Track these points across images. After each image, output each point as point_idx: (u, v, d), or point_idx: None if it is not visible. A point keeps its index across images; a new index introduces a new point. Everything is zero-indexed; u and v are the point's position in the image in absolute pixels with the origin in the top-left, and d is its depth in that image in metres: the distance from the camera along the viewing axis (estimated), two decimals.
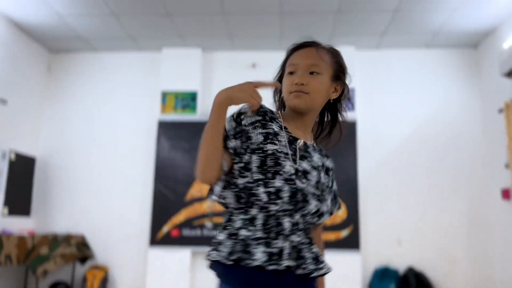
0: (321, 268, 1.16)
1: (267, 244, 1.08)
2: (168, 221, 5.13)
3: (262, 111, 1.23)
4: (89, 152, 5.52)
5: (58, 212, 5.41)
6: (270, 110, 1.27)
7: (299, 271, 1.10)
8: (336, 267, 5.03)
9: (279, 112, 1.33)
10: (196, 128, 5.29)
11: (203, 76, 5.57)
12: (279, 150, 1.15)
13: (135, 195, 5.38)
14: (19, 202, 5.16)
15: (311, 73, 1.23)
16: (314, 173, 1.22)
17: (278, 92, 1.33)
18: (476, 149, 5.21)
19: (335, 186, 1.35)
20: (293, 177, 1.14)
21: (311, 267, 1.12)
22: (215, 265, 1.11)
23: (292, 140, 1.22)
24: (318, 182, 1.22)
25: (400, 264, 5.03)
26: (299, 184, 1.15)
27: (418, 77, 5.47)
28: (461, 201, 5.13)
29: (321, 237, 1.41)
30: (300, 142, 1.22)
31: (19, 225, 5.07)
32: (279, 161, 1.13)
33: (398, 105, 5.42)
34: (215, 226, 5.01)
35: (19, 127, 5.20)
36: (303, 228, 1.17)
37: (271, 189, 1.11)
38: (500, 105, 4.67)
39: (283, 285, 1.09)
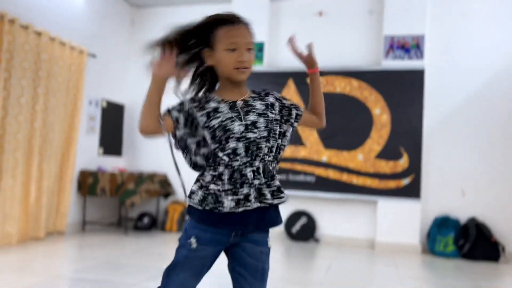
0: (280, 198, 1.41)
1: (234, 193, 1.34)
2: None
3: (196, 99, 1.44)
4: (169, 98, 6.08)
5: (145, 153, 6.14)
6: (204, 96, 1.47)
7: (262, 205, 1.37)
8: (395, 214, 5.25)
9: (215, 91, 1.50)
10: (263, 78, 5.59)
11: (270, 27, 5.72)
12: (224, 119, 1.37)
13: None
14: (112, 143, 5.97)
15: (248, 49, 1.41)
16: (261, 119, 1.41)
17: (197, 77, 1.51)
18: None
19: (287, 104, 1.52)
20: (244, 133, 1.37)
21: (270, 200, 1.38)
22: (190, 209, 1.42)
23: (233, 105, 1.41)
24: (267, 123, 1.42)
25: (461, 214, 5.03)
26: (251, 135, 1.37)
27: (498, 20, 5.08)
28: None
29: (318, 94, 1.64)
30: (239, 103, 1.42)
31: (112, 164, 5.90)
32: (227, 128, 1.36)
33: (471, 53, 5.13)
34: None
35: (108, 78, 5.88)
36: (263, 170, 1.39)
37: (229, 151, 1.35)
38: None
39: (247, 217, 1.36)
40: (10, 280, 3.06)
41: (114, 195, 5.18)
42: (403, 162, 5.12)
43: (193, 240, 1.39)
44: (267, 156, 1.40)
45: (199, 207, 1.38)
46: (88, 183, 5.23)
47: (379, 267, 4.25)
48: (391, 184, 5.15)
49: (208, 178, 1.38)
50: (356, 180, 5.24)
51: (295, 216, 5.40)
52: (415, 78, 5.14)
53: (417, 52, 5.17)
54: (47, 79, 4.57)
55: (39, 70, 4.45)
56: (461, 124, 5.14)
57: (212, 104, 1.40)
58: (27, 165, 4.39)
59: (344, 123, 5.32)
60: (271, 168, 1.42)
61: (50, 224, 4.80)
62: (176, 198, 5.96)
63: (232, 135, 1.36)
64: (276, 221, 1.44)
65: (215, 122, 1.37)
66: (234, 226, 1.37)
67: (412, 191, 5.08)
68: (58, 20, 4.85)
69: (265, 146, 1.40)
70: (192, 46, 1.45)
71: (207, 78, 1.51)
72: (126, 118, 6.19)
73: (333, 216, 5.41)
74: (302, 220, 5.38)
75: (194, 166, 1.49)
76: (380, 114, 5.21)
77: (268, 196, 1.38)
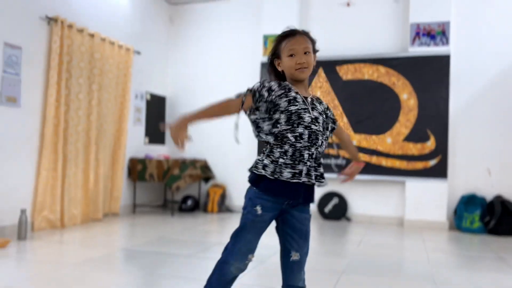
0: (321, 182, 1.76)
1: (292, 167, 1.67)
2: None
3: (283, 85, 1.73)
4: (206, 90, 6.52)
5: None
6: (287, 83, 1.76)
7: (307, 182, 1.71)
8: (423, 193, 5.59)
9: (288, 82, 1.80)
10: None
11: (300, 17, 6.04)
12: (299, 108, 1.70)
13: (243, 127, 6.30)
14: (156, 133, 6.47)
15: (305, 53, 1.74)
16: (320, 118, 1.76)
17: (272, 72, 1.85)
18: None
19: (330, 114, 1.87)
20: (310, 124, 1.70)
21: (314, 181, 1.73)
22: (257, 177, 1.72)
23: (305, 99, 1.74)
24: (323, 121, 1.78)
25: (488, 193, 5.29)
26: (314, 127, 1.71)
27: None
28: None
29: (346, 135, 2.03)
30: (309, 99, 1.76)
31: (157, 151, 6.41)
32: (301, 115, 1.69)
33: (495, 37, 5.32)
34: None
35: (150, 72, 6.36)
36: (315, 156, 1.74)
37: (296, 134, 1.68)
38: None
39: (298, 190, 1.71)
40: (82, 253, 3.59)
41: (161, 180, 5.69)
42: (430, 144, 5.39)
43: (258, 208, 1.70)
44: (319, 147, 1.74)
45: (272, 177, 1.68)
46: (138, 170, 5.75)
47: (408, 241, 4.59)
48: (419, 165, 5.43)
49: (277, 154, 1.69)
50: (385, 162, 5.55)
51: (328, 196, 5.78)
52: (441, 64, 5.37)
53: (443, 39, 5.39)
54: (100, 76, 5.08)
55: (93, 68, 4.95)
56: (485, 107, 5.35)
57: (293, 94, 1.72)
58: (86, 154, 4.93)
59: (373, 109, 5.61)
60: (319, 156, 1.79)
61: (106, 207, 5.35)
62: (215, 181, 6.43)
63: (302, 122, 1.69)
64: (313, 198, 1.80)
65: (293, 108, 1.69)
66: (289, 196, 1.71)
67: (439, 171, 5.36)
68: (106, 21, 5.34)
69: (320, 139, 1.74)
70: (271, 58, 1.84)
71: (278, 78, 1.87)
72: (168, 109, 6.68)
73: (364, 196, 5.75)
74: (334, 201, 5.75)
75: (260, 138, 1.80)
76: (408, 99, 5.48)
77: (313, 177, 1.72)
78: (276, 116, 1.69)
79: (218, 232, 4.92)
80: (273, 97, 1.68)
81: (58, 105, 4.51)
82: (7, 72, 4.06)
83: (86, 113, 4.91)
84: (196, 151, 6.51)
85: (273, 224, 1.81)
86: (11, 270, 3.08)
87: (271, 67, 1.84)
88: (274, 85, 1.72)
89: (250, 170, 1.76)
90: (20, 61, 4.18)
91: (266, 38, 6.10)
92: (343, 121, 5.72)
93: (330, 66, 5.75)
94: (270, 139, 1.73)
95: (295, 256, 1.74)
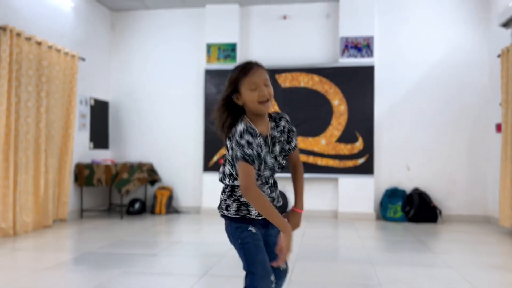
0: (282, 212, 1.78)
1: None
2: (217, 151, 6.37)
3: (249, 132, 1.64)
4: (150, 95, 6.72)
5: (129, 144, 6.76)
6: (252, 128, 1.67)
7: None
8: (353, 188, 6.28)
9: (245, 117, 1.73)
10: None
11: (241, 30, 6.46)
12: (265, 153, 1.69)
13: (189, 131, 6.61)
14: (100, 137, 6.54)
15: (265, 85, 1.70)
16: (279, 147, 1.75)
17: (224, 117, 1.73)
18: (479, 90, 5.94)
19: (293, 132, 1.83)
20: (273, 164, 1.72)
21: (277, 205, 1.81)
22: (227, 217, 1.77)
23: (266, 139, 1.72)
24: (281, 148, 1.76)
25: (407, 186, 6.09)
26: (275, 165, 1.74)
27: (432, 24, 6.09)
28: (464, 134, 5.98)
29: (299, 164, 1.92)
30: (269, 137, 1.73)
31: (101, 156, 6.49)
32: (266, 160, 1.69)
33: (412, 50, 6.13)
34: None
35: (94, 78, 6.42)
36: (273, 183, 1.79)
37: (261, 174, 1.70)
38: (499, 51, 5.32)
39: (262, 223, 1.77)
40: (48, 257, 3.71)
41: (110, 185, 5.81)
42: (359, 145, 6.07)
43: (251, 228, 1.72)
44: (275, 172, 1.80)
45: (237, 216, 1.74)
46: (85, 175, 5.82)
47: (343, 231, 5.19)
48: (349, 163, 6.10)
49: (239, 193, 1.73)
50: (320, 161, 6.15)
51: None
52: (367, 73, 6.07)
53: (368, 51, 6.10)
54: (47, 84, 5.11)
55: (41, 76, 4.98)
56: (405, 111, 6.15)
57: (258, 139, 1.67)
58: (36, 161, 4.95)
59: (309, 113, 6.19)
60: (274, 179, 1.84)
61: (54, 213, 5.37)
62: (162, 184, 6.65)
63: (266, 166, 1.71)
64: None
65: (262, 155, 1.69)
66: (260, 228, 1.77)
67: (367, 168, 6.06)
68: (51, 28, 5.36)
69: (278, 167, 1.78)
70: (229, 95, 1.74)
71: (232, 113, 1.76)
72: (110, 114, 6.76)
73: None
74: None
75: (225, 179, 1.79)
76: (339, 104, 6.13)
77: (276, 204, 1.83)
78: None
79: (172, 232, 5.19)
80: (255, 151, 1.64)
81: (8, 114, 4.51)
82: None
83: (35, 121, 4.92)
84: (141, 155, 6.68)
85: None
86: None
87: (226, 103, 1.73)
88: (246, 136, 1.64)
89: (218, 208, 1.81)
90: None
91: (209, 46, 6.43)
92: None
93: (270, 74, 6.18)
94: (236, 182, 1.74)
95: (283, 266, 1.83)
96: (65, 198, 5.52)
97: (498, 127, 5.47)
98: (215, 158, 6.36)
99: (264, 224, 1.76)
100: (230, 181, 1.75)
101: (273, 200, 1.80)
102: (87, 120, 6.21)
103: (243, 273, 1.69)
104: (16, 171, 4.63)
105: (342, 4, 6.14)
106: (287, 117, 1.84)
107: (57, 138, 5.33)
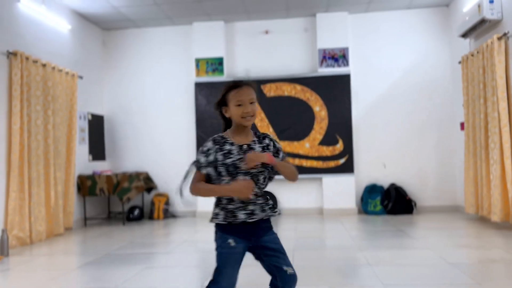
0: (274, 213, 1.94)
1: (244, 209, 1.83)
2: None
3: (217, 141, 1.86)
4: (142, 109, 7.15)
5: (125, 155, 7.16)
6: (221, 137, 1.89)
7: (264, 217, 1.89)
8: (336, 186, 6.93)
9: (227, 132, 1.92)
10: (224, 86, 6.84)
11: (226, 44, 6.98)
12: (235, 160, 1.82)
13: (182, 141, 7.07)
14: (97, 150, 6.93)
15: (251, 103, 1.86)
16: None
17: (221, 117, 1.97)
18: (445, 93, 6.64)
19: (274, 150, 1.95)
20: (249, 169, 1.82)
21: (270, 213, 1.91)
22: (218, 226, 1.87)
23: (241, 148, 1.86)
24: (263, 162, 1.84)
25: (384, 182, 6.72)
26: (253, 171, 1.83)
27: (401, 35, 6.77)
28: (433, 133, 6.66)
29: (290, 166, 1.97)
30: (244, 147, 1.87)
31: (100, 167, 6.88)
32: (237, 165, 1.81)
33: (383, 60, 6.79)
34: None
35: (90, 93, 6.81)
36: (260, 193, 1.89)
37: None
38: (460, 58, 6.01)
39: (254, 227, 1.86)
40: (73, 260, 4.11)
41: (112, 193, 6.22)
42: (339, 146, 6.67)
43: (231, 240, 1.83)
44: (262, 184, 1.91)
45: (225, 223, 1.84)
46: (87, 185, 6.20)
47: (330, 225, 5.76)
48: (332, 164, 6.69)
49: (224, 201, 1.87)
50: (305, 163, 6.72)
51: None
52: (344, 81, 6.69)
53: (344, 61, 6.71)
54: (52, 102, 5.49)
55: (47, 95, 5.37)
56: (379, 114, 6.78)
57: (227, 147, 1.85)
58: (46, 174, 5.32)
59: (293, 120, 6.75)
60: (261, 192, 1.93)
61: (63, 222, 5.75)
62: (158, 191, 7.08)
63: (240, 171, 1.82)
64: (271, 226, 1.96)
65: (229, 161, 1.83)
66: (249, 238, 1.86)
67: (348, 167, 6.66)
68: (53, 51, 5.76)
69: (261, 178, 1.90)
70: (219, 107, 1.95)
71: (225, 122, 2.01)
72: (106, 127, 7.16)
73: (289, 193, 6.85)
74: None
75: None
76: (320, 110, 6.71)
77: (268, 212, 1.92)
78: (220, 169, 1.85)
79: (176, 233, 5.64)
80: (212, 156, 1.85)
81: (21, 132, 4.89)
82: None
83: (44, 137, 5.30)
84: (137, 165, 7.09)
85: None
86: (19, 280, 3.55)
87: (220, 114, 1.96)
88: (208, 145, 1.88)
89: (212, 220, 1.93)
90: None
91: (197, 61, 6.92)
92: (269, 131, 6.77)
93: (255, 85, 6.75)
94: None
95: (290, 270, 1.87)
96: (70, 208, 5.89)
97: (462, 126, 6.16)
98: None
99: (256, 233, 1.87)
100: None
101: (261, 207, 1.89)
102: (86, 134, 6.59)
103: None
104: (30, 185, 5.00)
105: (319, 19, 6.74)
106: (271, 137, 2.01)
107: (62, 153, 5.71)
